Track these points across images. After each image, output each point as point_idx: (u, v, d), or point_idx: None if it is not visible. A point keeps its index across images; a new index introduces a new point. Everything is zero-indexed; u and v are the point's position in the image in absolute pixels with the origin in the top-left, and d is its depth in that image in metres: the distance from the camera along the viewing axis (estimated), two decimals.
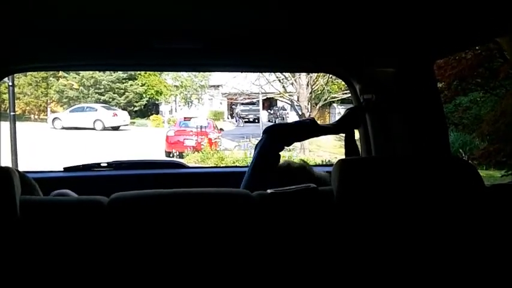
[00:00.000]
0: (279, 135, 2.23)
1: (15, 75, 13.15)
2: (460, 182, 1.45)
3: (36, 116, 26.59)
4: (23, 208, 1.31)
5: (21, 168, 2.45)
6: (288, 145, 2.33)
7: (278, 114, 26.31)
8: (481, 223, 1.44)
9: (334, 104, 23.45)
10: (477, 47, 9.01)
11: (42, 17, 1.54)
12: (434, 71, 2.21)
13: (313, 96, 17.28)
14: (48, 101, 26.57)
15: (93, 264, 1.34)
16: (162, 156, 15.56)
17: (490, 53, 9.71)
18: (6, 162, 2.70)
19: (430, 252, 1.41)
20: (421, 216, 1.42)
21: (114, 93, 26.26)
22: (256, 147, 2.21)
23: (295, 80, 16.67)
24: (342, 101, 20.03)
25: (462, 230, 1.43)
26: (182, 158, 14.76)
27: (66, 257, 1.33)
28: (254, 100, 21.12)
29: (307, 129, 2.36)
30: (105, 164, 2.88)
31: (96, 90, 25.99)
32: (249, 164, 2.20)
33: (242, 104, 24.44)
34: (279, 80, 17.59)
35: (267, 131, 2.26)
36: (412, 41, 1.87)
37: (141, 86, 26.99)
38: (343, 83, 3.47)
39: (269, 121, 26.98)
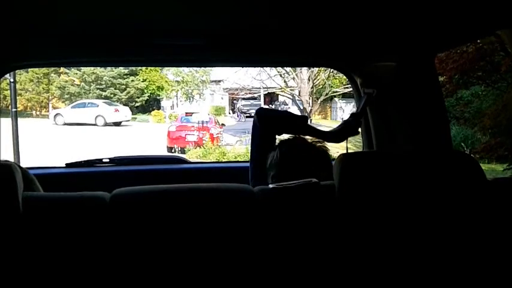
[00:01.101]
0: (272, 123, 2.17)
1: (16, 71, 13.16)
2: (462, 175, 1.45)
3: (37, 112, 26.60)
4: (25, 204, 1.32)
5: (23, 164, 2.45)
6: (279, 134, 2.28)
7: (280, 108, 26.29)
8: (482, 217, 1.44)
9: (336, 99, 23.43)
10: (478, 41, 8.98)
11: (44, 14, 1.54)
12: (436, 64, 2.21)
13: (314, 91, 17.24)
14: (50, 97, 26.57)
15: (95, 259, 1.35)
16: (163, 152, 15.54)
17: (491, 46, 9.68)
18: (8, 159, 2.70)
19: (432, 246, 1.42)
20: (423, 210, 1.42)
21: (115, 88, 26.26)
22: (252, 138, 2.19)
23: (296, 75, 16.64)
24: (343, 96, 20.01)
25: (464, 223, 1.43)
26: (184, 153, 14.77)
27: (69, 252, 1.34)
28: (255, 95, 21.10)
29: (298, 126, 2.30)
30: (107, 160, 2.88)
31: (98, 86, 25.98)
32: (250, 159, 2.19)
33: (243, 99, 24.41)
34: (280, 75, 17.56)
35: (260, 116, 2.18)
36: (413, 35, 1.87)
37: (142, 81, 26.98)
38: (344, 77, 3.48)
39: None
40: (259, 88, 19.25)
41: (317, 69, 15.78)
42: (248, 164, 2.16)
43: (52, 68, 23.67)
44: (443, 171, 1.46)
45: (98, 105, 22.75)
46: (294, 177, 1.62)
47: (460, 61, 9.90)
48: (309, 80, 16.36)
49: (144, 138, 18.05)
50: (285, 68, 16.07)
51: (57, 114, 22.92)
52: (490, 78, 11.38)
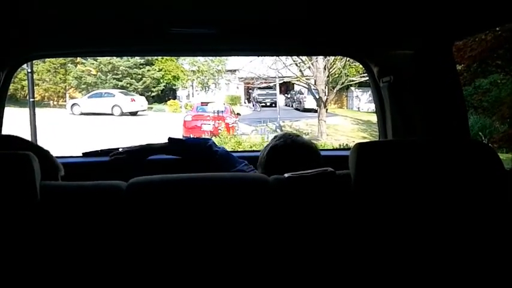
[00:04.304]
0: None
1: (34, 61, 13.28)
2: (480, 165, 1.43)
3: (55, 102, 26.88)
4: (43, 192, 1.33)
5: None
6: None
7: (295, 98, 26.25)
8: (500, 207, 1.42)
9: (352, 88, 23.34)
10: (497, 28, 8.85)
11: (60, 5, 1.55)
12: (454, 53, 2.18)
13: (330, 80, 17.18)
14: (67, 87, 26.84)
15: (111, 247, 1.36)
16: None
17: (510, 34, 9.54)
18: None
19: (449, 236, 1.41)
20: (440, 200, 1.41)
21: (131, 78, 26.45)
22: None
23: (312, 64, 16.59)
24: (360, 85, 19.90)
25: (482, 213, 1.41)
26: None
27: (85, 240, 1.35)
28: (271, 84, 21.09)
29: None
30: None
31: (114, 76, 26.19)
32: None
33: (259, 88, 24.42)
34: (296, 64, 17.52)
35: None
36: (431, 22, 1.85)
37: (158, 71, 27.13)
38: (360, 66, 3.45)
39: (286, 105, 26.95)
40: (275, 77, 19.23)
41: (333, 58, 15.72)
42: None
43: (69, 58, 23.89)
44: (461, 161, 1.44)
45: (114, 95, 22.92)
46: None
47: (478, 49, 9.77)
48: (324, 69, 16.31)
49: (160, 128, 18.15)
50: (301, 57, 16.02)
51: (74, 104, 23.15)
52: (509, 66, 11.21)
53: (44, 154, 1.67)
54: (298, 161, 1.83)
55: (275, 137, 2.11)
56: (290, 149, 1.99)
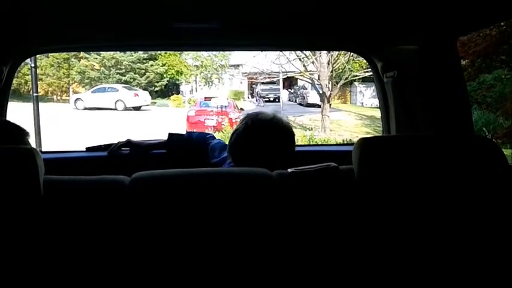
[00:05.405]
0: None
1: (37, 56, 13.29)
2: (484, 161, 1.43)
3: (58, 97, 26.94)
4: (46, 187, 1.33)
5: (45, 148, 2.48)
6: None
7: (299, 93, 26.23)
8: (504, 202, 1.42)
9: (356, 83, 23.31)
10: (502, 23, 8.81)
11: None
12: (458, 48, 2.17)
13: (334, 75, 17.12)
14: (70, 82, 26.86)
15: (114, 242, 1.36)
16: None
17: None
18: (30, 143, 2.73)
19: (454, 231, 1.40)
20: (443, 195, 1.41)
21: (135, 73, 26.46)
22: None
23: (315, 59, 16.53)
24: (363, 80, 19.86)
25: (486, 209, 1.41)
26: None
27: (89, 235, 1.35)
28: (274, 79, 21.02)
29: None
30: None
31: (117, 71, 26.21)
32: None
33: (262, 83, 24.37)
34: (300, 59, 17.46)
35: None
36: (435, 17, 1.84)
37: (161, 66, 27.14)
38: (364, 61, 3.44)
39: (290, 100, 26.91)
40: (278, 72, 19.18)
41: (337, 53, 15.67)
42: None
43: (72, 53, 23.92)
44: (464, 157, 1.44)
45: (117, 90, 22.94)
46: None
47: (482, 44, 9.74)
48: (328, 64, 16.25)
49: (164, 123, 18.16)
50: (304, 52, 15.97)
51: (77, 98, 23.18)
52: None
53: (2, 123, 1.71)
54: (260, 142, 1.90)
55: (241, 120, 2.07)
56: (250, 132, 1.97)
